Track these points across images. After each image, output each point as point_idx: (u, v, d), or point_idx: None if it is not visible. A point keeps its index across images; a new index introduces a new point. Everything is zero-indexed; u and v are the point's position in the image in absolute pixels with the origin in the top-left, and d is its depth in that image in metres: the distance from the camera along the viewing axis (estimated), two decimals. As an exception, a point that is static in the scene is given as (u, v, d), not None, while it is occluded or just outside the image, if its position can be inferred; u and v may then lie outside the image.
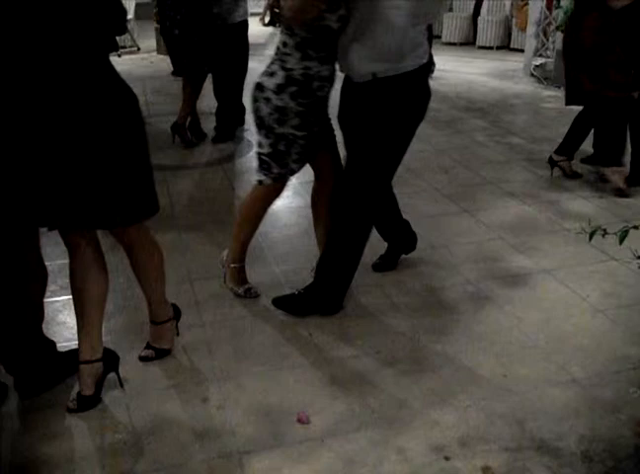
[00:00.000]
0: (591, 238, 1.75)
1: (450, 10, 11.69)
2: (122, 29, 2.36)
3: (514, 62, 9.44)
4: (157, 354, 2.77)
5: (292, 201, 4.42)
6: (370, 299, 3.24)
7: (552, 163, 4.88)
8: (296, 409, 2.47)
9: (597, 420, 2.42)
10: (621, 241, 1.66)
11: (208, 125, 5.92)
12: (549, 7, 8.28)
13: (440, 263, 3.61)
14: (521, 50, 9.40)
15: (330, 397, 2.54)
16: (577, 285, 3.37)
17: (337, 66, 2.93)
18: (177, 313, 2.87)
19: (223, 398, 2.54)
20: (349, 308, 3.15)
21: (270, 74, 2.86)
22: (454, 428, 2.39)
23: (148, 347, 2.79)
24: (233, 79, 5.74)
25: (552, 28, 8.15)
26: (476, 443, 2.31)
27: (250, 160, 5.37)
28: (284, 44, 2.82)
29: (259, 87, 2.88)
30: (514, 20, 10.67)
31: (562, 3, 7.58)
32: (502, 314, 3.13)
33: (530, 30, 8.46)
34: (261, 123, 2.92)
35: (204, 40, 5.29)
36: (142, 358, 2.77)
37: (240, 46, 5.66)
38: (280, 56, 2.84)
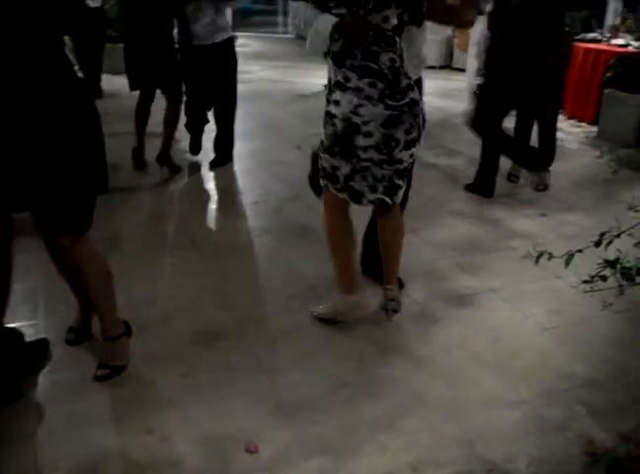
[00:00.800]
0: (537, 261, 1.75)
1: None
2: (79, 26, 2.42)
3: (457, 82, 9.61)
4: (113, 371, 2.71)
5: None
6: (318, 323, 3.20)
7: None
8: (244, 438, 2.40)
9: (546, 440, 2.43)
10: (567, 264, 1.67)
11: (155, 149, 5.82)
12: (489, 28, 8.40)
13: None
14: (464, 70, 9.57)
15: (279, 425, 2.49)
16: (522, 304, 3.40)
17: None
18: (129, 329, 2.83)
19: (168, 428, 2.46)
20: (296, 332, 3.11)
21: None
22: (405, 452, 2.36)
23: (102, 366, 2.71)
24: (225, 101, 5.57)
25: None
26: (427, 468, 2.29)
27: (199, 182, 5.33)
28: None
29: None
30: (455, 40, 10.84)
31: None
32: (449, 335, 3.13)
33: (472, 50, 8.60)
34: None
35: (178, 60, 5.17)
36: (98, 378, 2.69)
37: (225, 67, 5.38)
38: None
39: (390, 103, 2.77)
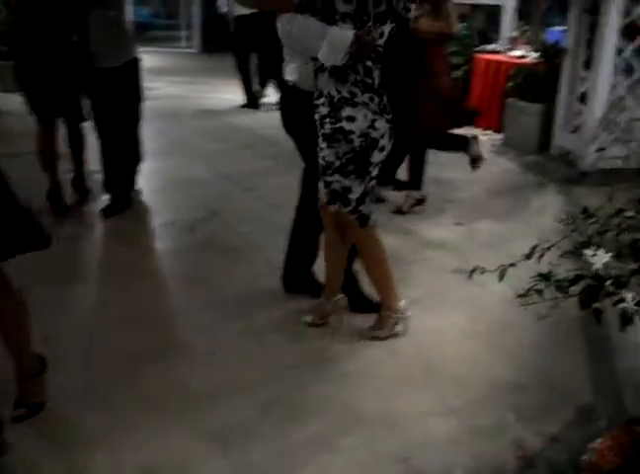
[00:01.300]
0: (470, 276, 1.76)
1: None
2: None
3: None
4: (30, 410, 2.56)
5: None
6: (242, 344, 3.14)
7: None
8: (177, 470, 2.32)
9: (479, 448, 2.46)
10: (500, 278, 1.69)
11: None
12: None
13: (305, 299, 3.56)
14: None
15: (212, 454, 2.41)
16: (445, 313, 3.45)
17: None
18: (44, 365, 2.68)
19: (97, 467, 2.34)
20: (220, 355, 3.04)
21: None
22: (345, 472, 2.34)
23: (19, 404, 2.56)
24: (121, 132, 4.79)
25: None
26: (366, 487, 2.28)
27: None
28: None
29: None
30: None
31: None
32: (375, 349, 3.13)
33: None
34: None
35: (75, 83, 4.50)
36: (16, 419, 2.52)
37: (126, 93, 4.62)
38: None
39: (387, 117, 2.86)
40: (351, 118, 2.78)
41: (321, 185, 3.03)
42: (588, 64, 6.19)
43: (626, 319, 1.48)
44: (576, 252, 1.66)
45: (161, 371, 2.90)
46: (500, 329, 3.33)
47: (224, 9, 8.68)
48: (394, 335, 3.20)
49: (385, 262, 3.18)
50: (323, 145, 2.88)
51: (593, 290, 1.50)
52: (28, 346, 2.57)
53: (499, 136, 7.20)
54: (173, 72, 11.91)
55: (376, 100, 2.81)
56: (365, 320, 3.33)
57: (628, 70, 6.06)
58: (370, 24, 2.70)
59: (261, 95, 8.92)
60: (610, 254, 1.44)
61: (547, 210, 5.12)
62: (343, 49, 2.66)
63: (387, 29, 2.77)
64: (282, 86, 3.23)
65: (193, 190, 5.34)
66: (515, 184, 5.88)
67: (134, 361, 2.97)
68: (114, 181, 4.82)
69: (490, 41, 8.27)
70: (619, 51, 5.91)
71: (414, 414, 2.65)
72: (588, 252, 1.46)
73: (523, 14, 10.44)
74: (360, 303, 3.44)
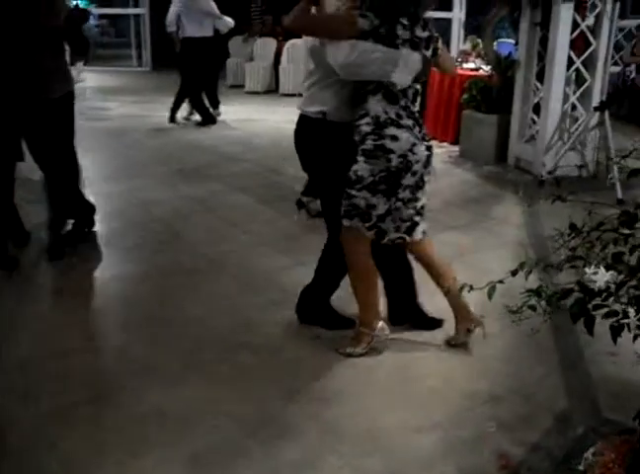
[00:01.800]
0: (460, 292, 1.79)
1: (252, 60, 11.96)
2: None
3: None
4: None
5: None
6: (217, 365, 3.11)
7: (300, 205, 5.06)
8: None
9: (463, 460, 2.48)
10: (490, 297, 1.71)
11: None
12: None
13: (280, 318, 3.55)
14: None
15: (196, 480, 2.39)
16: (418, 328, 3.46)
17: None
18: None
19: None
20: (196, 377, 3.01)
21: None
22: (331, 493, 2.33)
23: None
24: (63, 169, 4.40)
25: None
26: (354, 506, 2.27)
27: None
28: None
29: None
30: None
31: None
32: (353, 366, 3.13)
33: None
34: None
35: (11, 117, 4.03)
36: None
37: (60, 127, 4.22)
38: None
39: (427, 144, 3.00)
40: (394, 138, 2.89)
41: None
42: (540, 75, 6.35)
43: (615, 331, 1.51)
44: (560, 266, 1.69)
45: (136, 396, 2.86)
46: (472, 341, 3.36)
47: (172, 28, 8.64)
48: (368, 353, 3.21)
49: (374, 278, 3.22)
50: (360, 159, 2.94)
51: (582, 304, 1.54)
52: None
53: (456, 148, 7.31)
54: (125, 91, 11.83)
55: (417, 128, 2.96)
56: (340, 339, 3.34)
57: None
58: (423, 48, 2.94)
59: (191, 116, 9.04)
60: (611, 272, 1.47)
61: (508, 221, 5.23)
62: (415, 71, 2.90)
63: (429, 53, 3.00)
64: (320, 124, 3.10)
65: (153, 211, 5.30)
66: (474, 194, 5.97)
67: (108, 387, 2.92)
68: (72, 208, 4.64)
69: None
70: (570, 63, 6.08)
71: (396, 429, 2.66)
72: (588, 270, 1.49)
73: (473, 27, 10.67)
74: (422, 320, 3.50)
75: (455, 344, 3.29)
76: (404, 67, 2.86)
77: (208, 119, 8.82)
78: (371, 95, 2.93)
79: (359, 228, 3.03)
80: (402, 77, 2.87)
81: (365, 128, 2.93)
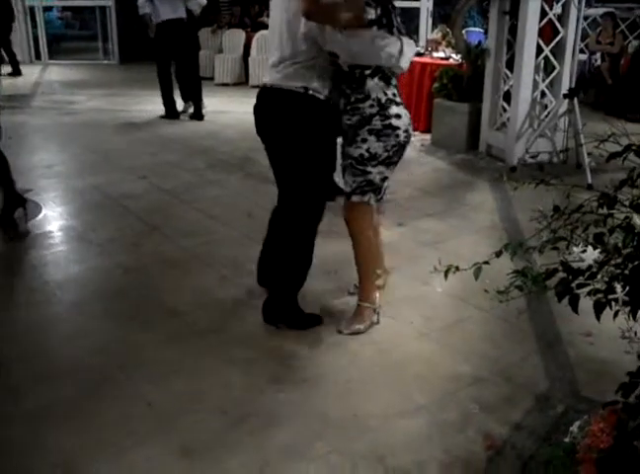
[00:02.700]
0: (446, 276, 1.82)
1: (221, 52, 11.91)
2: None
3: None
4: None
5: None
6: (202, 357, 3.13)
7: None
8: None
9: (449, 442, 2.53)
10: (476, 277, 1.75)
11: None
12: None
13: (259, 308, 3.54)
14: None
15: (186, 470, 2.40)
16: (398, 313, 3.52)
17: None
18: None
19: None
20: (181, 369, 3.02)
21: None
22: (321, 477, 2.37)
23: None
24: None
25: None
26: (344, 489, 2.31)
27: (46, 224, 5.01)
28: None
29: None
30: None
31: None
32: (336, 353, 3.17)
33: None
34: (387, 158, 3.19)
35: None
36: None
37: None
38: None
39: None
40: (398, 116, 3.17)
41: (348, 179, 3.25)
42: (510, 64, 6.43)
43: (599, 307, 1.56)
44: (541, 248, 1.73)
45: (122, 391, 2.87)
46: (451, 325, 3.43)
47: (145, 10, 8.19)
48: (373, 324, 3.37)
49: (378, 253, 3.43)
50: (370, 138, 3.15)
51: (567, 283, 1.58)
52: None
53: (427, 137, 7.37)
54: (92, 85, 11.68)
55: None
56: (322, 326, 3.38)
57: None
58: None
59: (187, 109, 8.85)
60: (599, 250, 1.51)
61: (482, 207, 5.30)
62: (413, 55, 3.22)
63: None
64: (303, 99, 3.15)
65: (129, 205, 5.26)
66: (447, 182, 6.04)
67: (94, 381, 2.92)
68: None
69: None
70: (539, 51, 6.17)
71: (382, 413, 2.71)
72: (576, 249, 1.54)
73: (441, 16, 10.74)
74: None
75: (357, 331, 3.35)
76: (407, 53, 3.11)
77: (172, 113, 8.71)
78: (370, 78, 3.12)
79: (368, 202, 3.25)
80: (406, 62, 3.13)
81: (370, 110, 3.14)
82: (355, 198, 3.24)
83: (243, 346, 3.22)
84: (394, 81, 3.19)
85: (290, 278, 3.41)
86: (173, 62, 8.58)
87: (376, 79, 3.12)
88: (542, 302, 3.47)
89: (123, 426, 2.64)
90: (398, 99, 3.20)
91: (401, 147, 3.21)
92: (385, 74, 3.14)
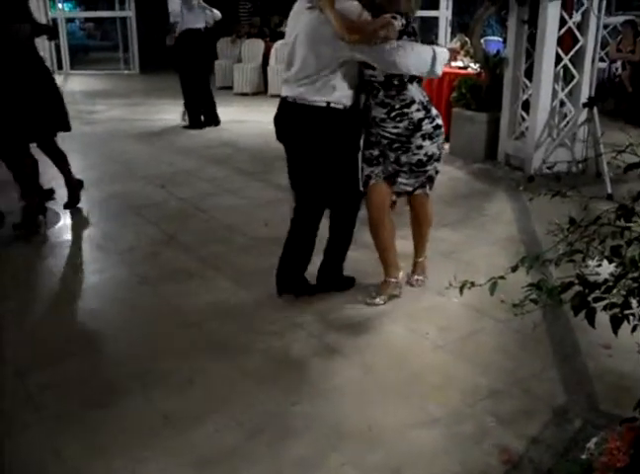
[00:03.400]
0: (461, 291, 1.81)
1: (240, 61, 11.97)
2: None
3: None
4: None
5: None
6: (217, 369, 3.12)
7: None
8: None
9: (465, 455, 2.50)
10: (492, 293, 1.74)
11: None
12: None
13: (277, 319, 3.58)
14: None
15: (201, 481, 2.41)
16: (414, 325, 3.50)
17: None
18: None
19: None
20: (198, 381, 3.02)
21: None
22: (335, 490, 2.35)
23: None
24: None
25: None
26: (359, 502, 2.29)
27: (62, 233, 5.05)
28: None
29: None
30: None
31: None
32: (351, 364, 3.16)
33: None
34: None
35: None
36: None
37: None
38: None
39: None
40: (438, 116, 3.54)
41: (409, 181, 3.63)
42: (528, 73, 6.39)
43: (617, 322, 1.54)
44: (558, 261, 1.72)
45: (139, 401, 2.87)
46: (467, 337, 3.40)
47: (177, 18, 8.46)
48: (394, 296, 3.74)
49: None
50: (425, 143, 3.49)
51: (583, 296, 1.56)
52: None
53: (446, 146, 7.32)
54: (113, 94, 11.80)
55: None
56: (337, 338, 3.37)
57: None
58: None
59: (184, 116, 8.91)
60: (614, 264, 1.50)
61: (500, 217, 5.26)
62: (445, 62, 3.41)
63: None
64: (325, 112, 3.41)
65: (147, 214, 5.29)
66: (465, 192, 6.00)
67: (111, 391, 2.93)
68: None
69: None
70: (558, 60, 6.13)
71: (397, 426, 2.69)
72: (591, 263, 1.52)
73: (460, 25, 10.73)
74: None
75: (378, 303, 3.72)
76: (441, 60, 3.35)
77: (196, 123, 8.77)
78: (410, 83, 3.39)
79: (426, 192, 3.75)
80: (440, 69, 3.37)
81: (418, 115, 3.43)
82: (418, 192, 3.68)
83: (259, 357, 3.21)
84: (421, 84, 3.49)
85: (299, 257, 3.78)
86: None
87: (415, 84, 3.41)
88: (559, 313, 3.43)
89: (139, 437, 2.64)
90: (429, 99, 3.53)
91: (442, 143, 3.59)
92: (420, 79, 3.45)
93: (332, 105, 3.37)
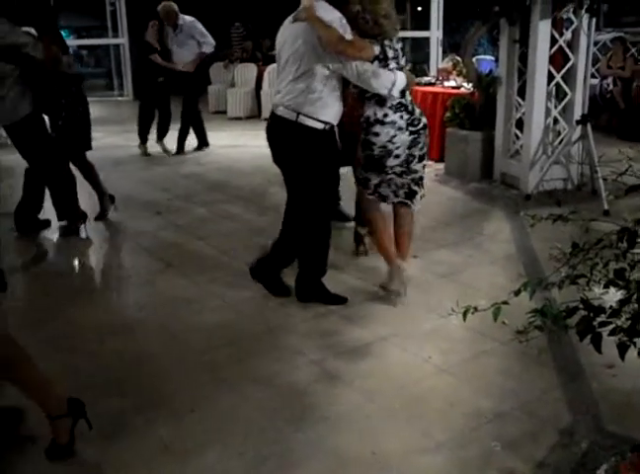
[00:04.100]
0: (464, 317, 1.79)
1: (233, 86, 12.02)
2: None
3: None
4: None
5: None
6: (220, 396, 3.09)
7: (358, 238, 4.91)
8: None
9: (471, 481, 2.47)
10: (495, 318, 1.72)
11: None
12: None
13: (278, 346, 3.56)
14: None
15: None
16: (416, 348, 3.47)
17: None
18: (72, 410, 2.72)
19: None
20: (200, 409, 2.98)
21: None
22: (340, 520, 2.32)
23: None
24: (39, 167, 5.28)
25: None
26: (365, 532, 2.26)
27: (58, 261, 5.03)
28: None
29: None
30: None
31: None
32: (353, 390, 3.13)
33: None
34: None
35: None
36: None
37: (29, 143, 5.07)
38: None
39: (412, 129, 3.77)
40: (376, 134, 3.75)
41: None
42: (521, 91, 6.42)
43: (623, 349, 1.52)
44: (560, 285, 1.70)
45: (140, 429, 2.83)
46: (469, 359, 3.37)
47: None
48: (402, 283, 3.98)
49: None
50: (359, 150, 3.89)
51: (588, 321, 1.55)
52: (39, 391, 2.68)
53: (441, 166, 7.36)
54: (108, 121, 11.78)
55: (406, 116, 3.74)
56: (339, 364, 3.34)
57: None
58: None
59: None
60: (621, 291, 1.48)
61: (498, 236, 5.26)
62: (404, 86, 3.73)
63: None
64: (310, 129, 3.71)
65: (144, 241, 5.27)
66: (462, 211, 6.00)
67: (112, 419, 2.89)
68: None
69: (425, 74, 8.50)
70: (550, 78, 6.16)
71: (401, 451, 2.66)
72: (597, 290, 1.51)
73: (450, 45, 10.80)
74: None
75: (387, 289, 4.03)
76: (400, 84, 3.68)
77: (205, 142, 8.93)
78: (367, 100, 3.78)
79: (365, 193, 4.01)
80: (396, 91, 3.69)
81: (363, 126, 3.81)
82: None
83: (261, 384, 3.18)
84: (390, 102, 3.71)
85: (281, 256, 4.11)
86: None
87: (372, 101, 3.75)
88: (562, 334, 3.40)
89: (140, 467, 2.61)
90: (391, 118, 3.72)
91: (374, 160, 3.81)
92: (381, 96, 3.70)
93: (304, 120, 3.67)
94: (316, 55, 3.58)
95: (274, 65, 11.08)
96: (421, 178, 3.96)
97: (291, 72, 3.67)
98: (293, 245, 4.05)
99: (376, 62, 3.66)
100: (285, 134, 3.77)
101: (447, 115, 7.15)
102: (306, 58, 3.61)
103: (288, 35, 3.73)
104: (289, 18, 3.79)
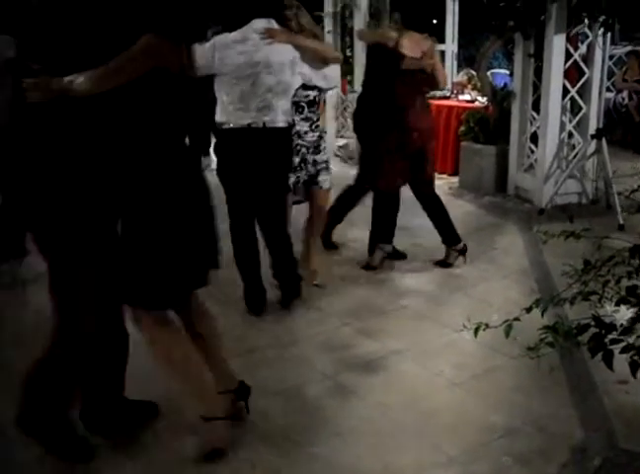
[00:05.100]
0: (476, 334, 1.80)
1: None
2: None
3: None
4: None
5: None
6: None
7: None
8: None
9: (482, 497, 2.47)
10: (507, 335, 1.72)
11: None
12: (344, 91, 8.86)
13: (291, 359, 3.56)
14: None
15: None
16: (429, 362, 3.47)
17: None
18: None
19: None
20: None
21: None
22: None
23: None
24: None
25: (349, 110, 8.64)
26: None
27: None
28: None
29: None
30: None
31: (356, 88, 8.10)
32: (366, 404, 3.13)
33: (330, 113, 8.90)
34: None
35: None
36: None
37: None
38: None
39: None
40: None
41: (326, 177, 4.45)
42: (536, 105, 6.42)
43: (635, 367, 1.52)
44: (572, 301, 1.71)
45: (147, 449, 2.85)
46: (482, 375, 3.37)
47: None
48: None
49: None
50: (325, 144, 4.50)
51: (600, 338, 1.55)
52: (199, 393, 2.72)
53: (455, 179, 7.35)
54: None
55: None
56: (352, 378, 3.34)
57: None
58: None
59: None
60: (632, 310, 1.48)
61: (511, 250, 5.25)
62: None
63: None
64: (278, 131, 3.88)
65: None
66: (476, 225, 5.98)
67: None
68: None
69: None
70: (565, 92, 6.16)
71: (413, 466, 2.66)
72: (609, 308, 1.51)
73: (466, 59, 10.80)
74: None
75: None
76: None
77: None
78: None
79: None
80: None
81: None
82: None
83: (274, 398, 3.16)
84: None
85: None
86: None
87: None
88: (574, 350, 3.39)
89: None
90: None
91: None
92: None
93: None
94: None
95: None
96: (325, 162, 4.42)
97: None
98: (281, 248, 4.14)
99: None
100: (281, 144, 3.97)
101: (462, 128, 7.15)
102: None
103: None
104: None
